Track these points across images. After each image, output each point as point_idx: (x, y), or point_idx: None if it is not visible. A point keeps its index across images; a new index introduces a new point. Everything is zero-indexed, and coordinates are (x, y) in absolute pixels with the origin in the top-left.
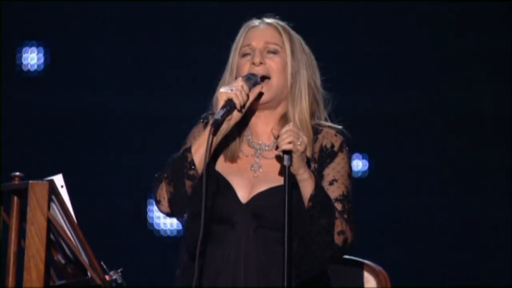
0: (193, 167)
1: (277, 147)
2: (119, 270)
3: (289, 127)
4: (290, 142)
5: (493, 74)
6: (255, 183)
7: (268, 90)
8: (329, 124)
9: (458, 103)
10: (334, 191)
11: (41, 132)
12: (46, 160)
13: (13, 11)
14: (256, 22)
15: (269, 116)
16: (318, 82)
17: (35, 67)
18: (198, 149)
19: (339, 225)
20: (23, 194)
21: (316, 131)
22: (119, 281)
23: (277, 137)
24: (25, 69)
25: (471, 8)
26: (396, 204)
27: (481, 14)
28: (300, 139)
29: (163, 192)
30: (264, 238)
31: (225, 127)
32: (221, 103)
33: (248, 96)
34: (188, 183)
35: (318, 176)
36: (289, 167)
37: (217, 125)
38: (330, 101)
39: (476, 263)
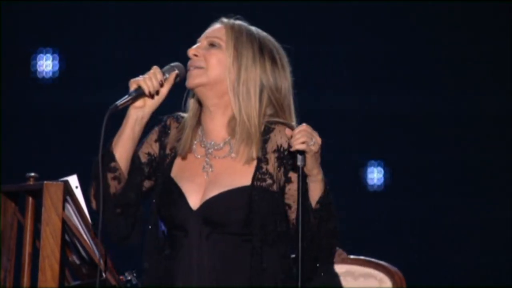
0: (113, 159)
1: (289, 147)
2: (133, 271)
3: (302, 127)
4: (303, 142)
5: (494, 73)
6: (207, 188)
7: (199, 76)
8: (281, 120)
9: (458, 104)
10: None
11: (55, 134)
12: (61, 161)
13: (27, 18)
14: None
15: (214, 112)
16: (283, 86)
17: (50, 69)
18: (117, 141)
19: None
20: (38, 194)
21: (268, 130)
22: (134, 282)
23: (290, 137)
24: (39, 73)
25: (471, 8)
26: (412, 205)
27: (481, 14)
28: (314, 139)
29: (92, 189)
30: (219, 244)
31: (140, 115)
32: (131, 90)
33: (162, 83)
34: (110, 175)
35: (281, 179)
36: (302, 168)
37: (115, 110)
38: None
39: (489, 264)
